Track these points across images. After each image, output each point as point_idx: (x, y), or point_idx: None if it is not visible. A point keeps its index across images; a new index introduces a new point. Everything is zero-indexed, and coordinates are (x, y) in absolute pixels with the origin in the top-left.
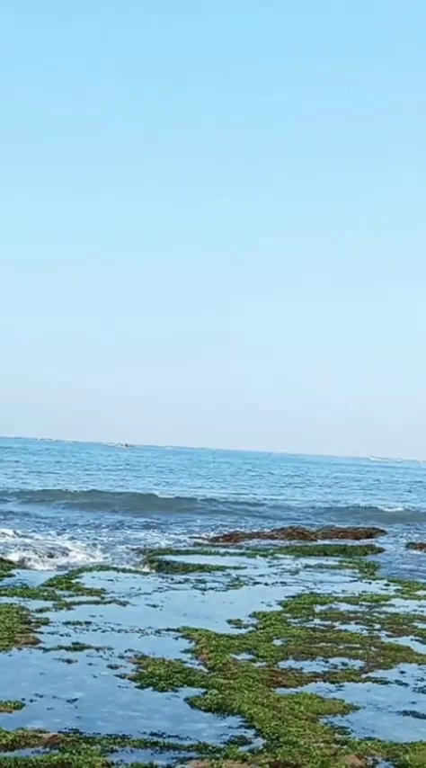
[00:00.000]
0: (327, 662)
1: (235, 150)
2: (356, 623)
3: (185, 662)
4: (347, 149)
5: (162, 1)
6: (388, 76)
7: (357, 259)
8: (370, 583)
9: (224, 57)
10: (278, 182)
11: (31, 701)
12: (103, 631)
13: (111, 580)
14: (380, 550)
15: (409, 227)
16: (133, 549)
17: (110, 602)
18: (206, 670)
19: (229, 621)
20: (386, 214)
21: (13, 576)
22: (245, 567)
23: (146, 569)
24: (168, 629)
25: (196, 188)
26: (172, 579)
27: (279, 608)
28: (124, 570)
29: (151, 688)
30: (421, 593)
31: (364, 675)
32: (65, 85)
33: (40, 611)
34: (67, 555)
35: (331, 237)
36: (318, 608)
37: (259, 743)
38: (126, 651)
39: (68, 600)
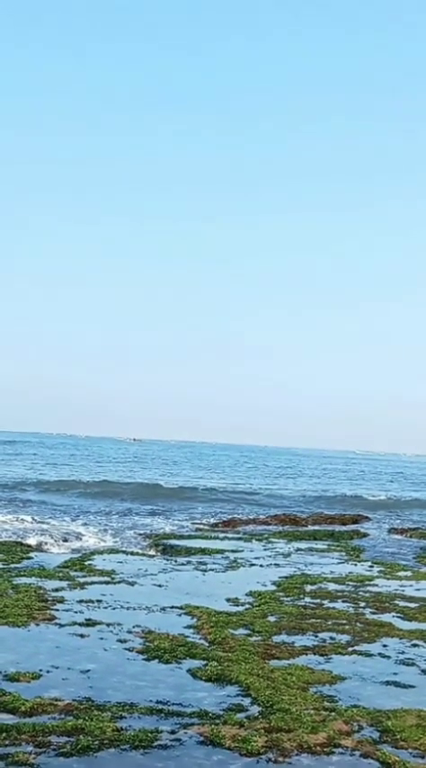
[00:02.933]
0: (317, 636)
1: (235, 170)
2: (343, 601)
3: (187, 636)
4: (335, 168)
5: (164, 37)
6: (377, 103)
7: (343, 269)
8: (356, 565)
9: (222, 85)
10: (273, 199)
11: (48, 672)
12: (113, 609)
13: (121, 562)
14: (365, 535)
15: (392, 240)
16: (140, 534)
17: (119, 582)
18: (206, 644)
19: (228, 600)
20: (370, 228)
21: (32, 558)
22: (242, 551)
23: (152, 552)
24: (172, 607)
25: (198, 206)
26: (175, 561)
27: (273, 587)
28: (132, 553)
29: (157, 660)
30: (402, 573)
31: (350, 649)
32: (79, 113)
33: (56, 590)
34: (81, 539)
35: (322, 250)
36: (308, 587)
37: (254, 710)
38: (134, 627)
39: (82, 580)
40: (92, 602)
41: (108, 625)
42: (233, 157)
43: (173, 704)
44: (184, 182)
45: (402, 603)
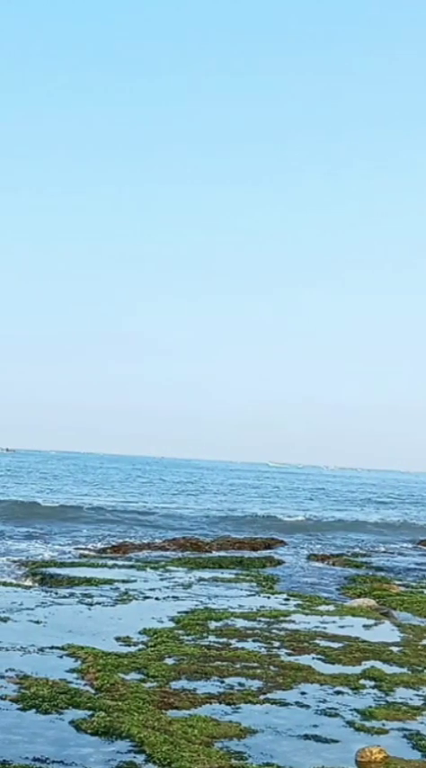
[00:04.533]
0: (223, 682)
1: (123, 133)
2: (254, 641)
3: (70, 682)
4: (236, 131)
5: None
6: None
7: (254, 252)
8: (269, 597)
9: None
10: (170, 166)
11: None
12: None
13: None
14: (279, 562)
15: (311, 218)
16: (14, 562)
17: None
18: (93, 691)
19: (117, 639)
20: (283, 203)
21: None
22: (135, 581)
23: (28, 583)
24: (52, 647)
25: (79, 176)
26: (56, 593)
27: (172, 624)
28: (4, 584)
29: (34, 710)
30: (322, 608)
31: (262, 696)
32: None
33: None
34: None
35: (229, 227)
36: (213, 624)
37: None
38: (6, 670)
39: None
40: None
41: None
42: (119, 118)
43: (54, 762)
44: (62, 147)
45: (323, 643)
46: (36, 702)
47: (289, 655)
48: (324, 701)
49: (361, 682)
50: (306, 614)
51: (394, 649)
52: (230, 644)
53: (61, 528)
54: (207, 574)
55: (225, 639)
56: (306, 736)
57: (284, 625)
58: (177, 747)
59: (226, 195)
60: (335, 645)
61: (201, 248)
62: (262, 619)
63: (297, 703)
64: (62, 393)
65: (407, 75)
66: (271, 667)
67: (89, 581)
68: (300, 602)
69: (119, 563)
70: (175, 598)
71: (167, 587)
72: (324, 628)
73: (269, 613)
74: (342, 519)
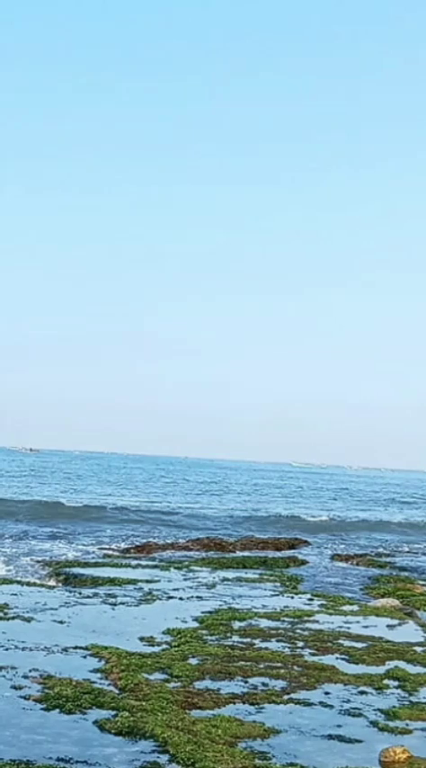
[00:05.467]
0: (247, 682)
1: (145, 133)
2: (277, 641)
3: (94, 682)
4: (259, 131)
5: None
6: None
7: (277, 252)
8: (293, 597)
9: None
10: (193, 166)
11: None
12: (6, 649)
13: (15, 594)
14: (303, 562)
15: (334, 218)
16: (38, 562)
17: (13, 617)
18: (116, 691)
19: (141, 639)
20: (307, 203)
21: None
22: (159, 581)
23: (52, 583)
24: (76, 647)
25: (101, 176)
26: (80, 593)
27: (195, 624)
28: (28, 584)
29: (57, 710)
30: (346, 608)
31: (286, 696)
32: None
33: None
34: None
35: (252, 227)
36: (237, 624)
37: None
38: (30, 670)
39: None
40: None
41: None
42: (141, 118)
43: (77, 762)
44: (86, 147)
45: (346, 643)
46: (60, 702)
47: (313, 655)
48: (348, 701)
49: (385, 682)
50: (330, 614)
51: (418, 649)
52: (254, 644)
53: (85, 528)
54: (231, 574)
55: (248, 639)
56: (330, 736)
57: (308, 625)
58: (201, 747)
59: (249, 195)
60: (359, 645)
61: (224, 248)
62: (286, 619)
63: (320, 703)
64: (85, 393)
65: None
66: (295, 667)
67: (113, 581)
68: (324, 602)
69: (143, 563)
70: (199, 598)
71: (191, 587)
72: (348, 628)
73: (292, 613)
74: (366, 519)
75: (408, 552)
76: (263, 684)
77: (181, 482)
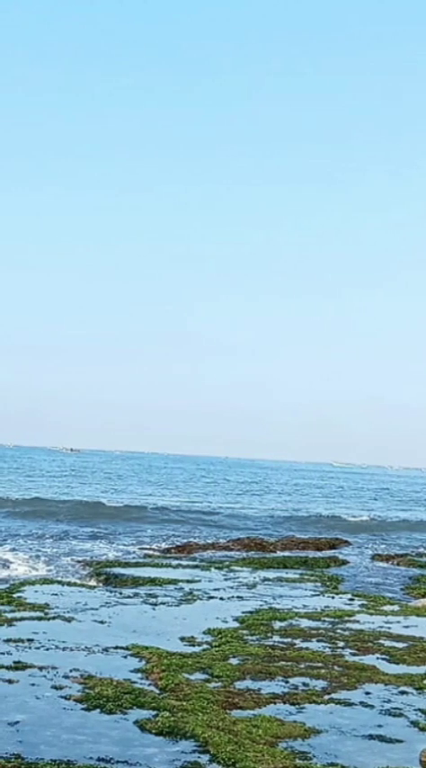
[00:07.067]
0: (287, 682)
1: (184, 133)
2: (318, 641)
3: (135, 682)
4: (298, 131)
5: None
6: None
7: (316, 252)
8: (333, 597)
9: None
10: (231, 166)
11: None
12: (47, 649)
13: (56, 594)
14: (344, 562)
15: (373, 218)
16: (79, 561)
17: (54, 617)
18: (157, 691)
19: (182, 639)
20: (346, 203)
21: None
22: (199, 581)
23: (92, 583)
24: (116, 647)
25: (141, 176)
26: (120, 593)
27: (236, 624)
28: (69, 584)
29: (98, 710)
30: (387, 608)
31: (327, 696)
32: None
33: None
34: (8, 567)
35: (290, 227)
36: (277, 624)
37: None
38: (71, 670)
39: (9, 615)
40: (21, 641)
41: (40, 669)
42: (181, 118)
43: (118, 762)
44: (126, 147)
45: (387, 643)
46: (100, 702)
47: (354, 655)
48: (389, 701)
49: None
50: (371, 614)
51: None
52: (294, 644)
53: (125, 528)
54: (271, 574)
55: (289, 639)
56: (371, 736)
57: (348, 625)
58: (241, 747)
59: (287, 195)
60: (400, 645)
61: (262, 248)
62: (327, 619)
63: (361, 703)
64: (125, 393)
65: None
66: (336, 667)
67: (153, 581)
68: (364, 602)
69: (184, 563)
70: (240, 598)
71: (231, 587)
72: (389, 628)
73: (333, 613)
74: (407, 519)
75: None
76: (304, 684)
77: (222, 482)
